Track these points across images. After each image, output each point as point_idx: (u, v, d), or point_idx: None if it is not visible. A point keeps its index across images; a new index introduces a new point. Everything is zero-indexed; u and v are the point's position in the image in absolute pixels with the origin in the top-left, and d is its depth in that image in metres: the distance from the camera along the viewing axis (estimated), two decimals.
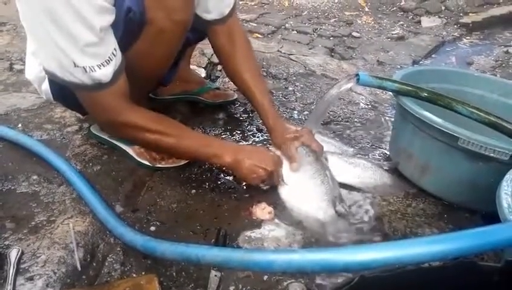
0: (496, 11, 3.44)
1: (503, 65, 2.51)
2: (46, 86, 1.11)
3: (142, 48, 0.97)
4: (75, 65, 0.85)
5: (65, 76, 0.88)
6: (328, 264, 0.60)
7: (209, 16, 1.15)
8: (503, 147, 0.95)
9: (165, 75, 1.20)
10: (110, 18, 0.87)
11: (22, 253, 0.86)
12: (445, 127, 1.01)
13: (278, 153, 1.14)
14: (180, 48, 1.10)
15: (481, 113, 1.03)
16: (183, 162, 1.19)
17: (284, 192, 1.10)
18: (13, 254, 0.85)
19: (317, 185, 1.08)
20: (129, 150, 1.19)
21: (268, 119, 1.18)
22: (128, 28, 0.92)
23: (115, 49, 0.90)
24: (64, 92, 1.08)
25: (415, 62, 2.50)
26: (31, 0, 0.82)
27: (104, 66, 0.87)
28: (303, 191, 1.08)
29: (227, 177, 1.17)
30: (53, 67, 0.89)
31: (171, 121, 1.07)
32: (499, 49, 2.78)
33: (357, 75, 1.14)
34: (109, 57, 0.88)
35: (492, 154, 0.96)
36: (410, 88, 1.11)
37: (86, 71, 0.86)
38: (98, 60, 0.86)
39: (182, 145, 1.04)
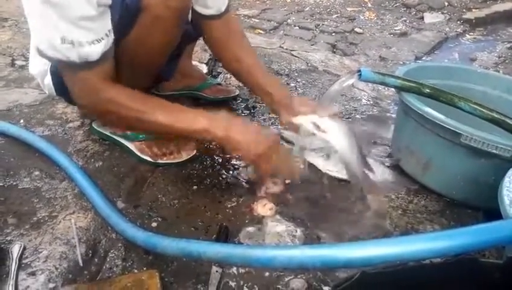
0: (500, 6, 3.42)
1: (506, 61, 2.49)
2: (48, 80, 1.12)
3: (139, 35, 0.96)
4: (63, 41, 0.83)
5: (52, 53, 0.86)
6: (329, 260, 0.59)
7: (207, 11, 1.15)
8: (505, 144, 0.95)
9: (166, 68, 1.20)
10: (106, 0, 0.86)
11: (24, 248, 0.87)
12: (447, 124, 1.01)
13: (273, 132, 1.12)
14: (179, 39, 1.09)
15: (484, 110, 1.03)
16: (184, 158, 1.19)
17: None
18: (15, 250, 0.85)
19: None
20: (131, 145, 1.19)
21: (274, 96, 1.15)
22: (124, 14, 0.91)
23: (109, 30, 0.89)
24: (65, 86, 1.09)
25: (417, 58, 2.48)
26: None
27: (94, 44, 0.86)
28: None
29: (229, 173, 1.17)
30: (42, 45, 0.87)
31: (158, 99, 1.02)
32: (502, 45, 2.77)
33: (359, 71, 1.13)
34: (102, 37, 0.87)
35: (494, 151, 0.96)
36: (412, 84, 1.11)
37: (74, 45, 0.84)
38: (90, 36, 0.85)
39: (170, 122, 0.97)
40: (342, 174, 1.16)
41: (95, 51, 0.87)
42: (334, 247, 0.60)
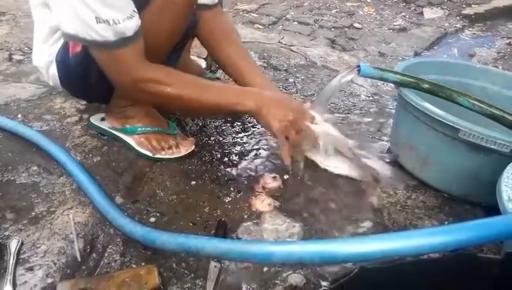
0: (499, 2, 3.41)
1: (506, 57, 2.49)
2: (53, 70, 1.12)
3: (149, 19, 0.97)
4: (98, 21, 0.86)
5: (88, 35, 0.89)
6: (327, 256, 0.60)
7: (201, 0, 1.14)
8: (504, 139, 0.95)
9: (167, 61, 1.19)
10: None
11: (22, 243, 0.86)
12: (446, 119, 1.00)
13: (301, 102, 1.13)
14: (185, 28, 1.08)
15: (483, 105, 1.03)
16: (183, 153, 1.19)
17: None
18: (13, 245, 0.85)
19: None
20: (129, 139, 1.19)
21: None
22: None
23: (134, 10, 0.92)
24: (71, 76, 1.09)
25: (416, 54, 2.47)
26: None
27: (127, 19, 0.89)
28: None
29: (228, 169, 1.17)
30: (75, 28, 0.89)
31: (192, 76, 1.07)
32: (501, 41, 2.76)
33: (358, 66, 1.13)
34: (131, 14, 0.90)
35: (493, 147, 0.96)
36: (411, 80, 1.10)
37: (109, 24, 0.87)
38: (120, 14, 0.88)
39: (203, 97, 1.03)
40: (341, 170, 1.16)
41: (129, 26, 0.90)
42: (333, 242, 0.60)
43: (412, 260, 0.61)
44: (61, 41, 1.08)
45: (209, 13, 1.17)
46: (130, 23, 0.90)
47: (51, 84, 1.19)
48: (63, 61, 1.07)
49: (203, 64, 1.74)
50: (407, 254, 0.58)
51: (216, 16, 1.20)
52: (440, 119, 1.01)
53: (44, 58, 1.12)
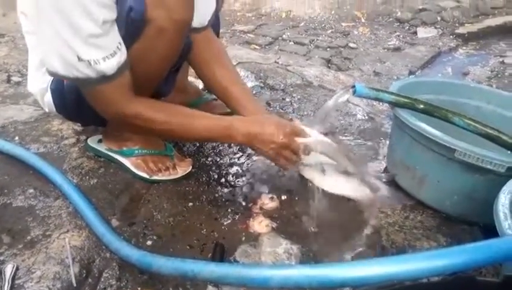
0: (492, 21, 3.47)
1: (499, 75, 2.52)
2: (48, 98, 1.12)
3: (142, 48, 0.97)
4: (79, 59, 0.86)
5: (69, 72, 0.89)
6: (325, 280, 0.59)
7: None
8: (499, 159, 0.95)
9: (164, 84, 1.20)
10: (111, 14, 0.88)
11: (17, 268, 0.85)
12: (441, 139, 1.01)
13: (293, 121, 1.12)
14: (180, 52, 1.09)
15: (478, 125, 1.04)
16: (180, 174, 1.19)
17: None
18: (8, 270, 0.84)
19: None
20: (126, 162, 1.19)
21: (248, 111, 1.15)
22: (129, 27, 0.93)
23: (119, 43, 0.91)
24: (66, 103, 1.09)
25: (411, 72, 2.50)
26: None
27: (108, 58, 0.88)
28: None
29: (225, 190, 1.17)
30: (56, 65, 0.89)
31: (178, 107, 1.06)
32: (494, 59, 2.80)
33: (354, 86, 1.14)
34: (114, 51, 0.89)
35: (489, 167, 0.96)
36: (406, 100, 1.11)
37: (90, 64, 0.87)
38: (102, 53, 0.87)
39: (189, 132, 1.04)
40: (339, 190, 1.16)
41: (110, 66, 0.89)
42: (331, 267, 0.59)
43: (411, 283, 0.61)
44: None
45: (199, 36, 1.17)
46: (111, 62, 0.89)
47: (47, 110, 1.19)
48: (58, 88, 1.08)
49: (200, 85, 1.75)
50: (405, 277, 0.57)
51: (206, 39, 1.19)
52: (436, 139, 1.02)
53: (39, 85, 1.12)
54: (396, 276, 0.57)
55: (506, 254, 0.58)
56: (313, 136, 1.10)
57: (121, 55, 0.92)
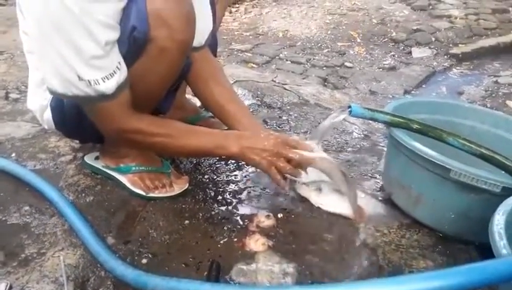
0: (485, 42, 3.54)
1: (493, 95, 2.56)
2: (48, 115, 1.13)
3: (144, 66, 0.99)
4: (80, 78, 0.88)
5: (69, 91, 0.91)
6: None
7: None
8: (494, 179, 0.96)
9: (163, 102, 1.21)
10: (115, 35, 0.90)
11: (11, 287, 0.84)
12: (436, 159, 1.02)
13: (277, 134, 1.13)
14: (180, 71, 1.11)
15: (472, 145, 1.05)
16: (177, 191, 1.18)
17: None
18: (1, 289, 0.83)
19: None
20: (123, 179, 1.19)
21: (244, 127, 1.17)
22: (132, 47, 0.94)
23: (119, 62, 0.93)
24: (65, 120, 1.10)
25: (406, 92, 2.54)
26: (41, 17, 0.85)
27: (108, 78, 0.90)
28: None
29: (221, 207, 1.17)
30: (56, 83, 0.91)
31: (174, 123, 1.09)
32: (488, 79, 2.84)
33: (350, 106, 1.16)
34: (113, 71, 0.91)
35: (484, 186, 0.97)
36: (401, 120, 1.13)
37: (90, 84, 0.89)
38: (102, 73, 0.89)
39: (186, 147, 1.07)
40: (335, 208, 1.17)
41: (109, 86, 0.91)
42: (327, 287, 0.59)
43: None
44: None
45: (197, 55, 1.18)
46: (110, 83, 0.91)
47: (46, 127, 1.19)
48: (58, 106, 1.09)
49: (198, 102, 1.77)
50: None
51: (203, 58, 1.21)
52: (431, 159, 1.03)
53: (39, 102, 1.13)
54: None
55: (502, 275, 0.58)
56: (316, 152, 1.11)
57: (121, 75, 0.93)
